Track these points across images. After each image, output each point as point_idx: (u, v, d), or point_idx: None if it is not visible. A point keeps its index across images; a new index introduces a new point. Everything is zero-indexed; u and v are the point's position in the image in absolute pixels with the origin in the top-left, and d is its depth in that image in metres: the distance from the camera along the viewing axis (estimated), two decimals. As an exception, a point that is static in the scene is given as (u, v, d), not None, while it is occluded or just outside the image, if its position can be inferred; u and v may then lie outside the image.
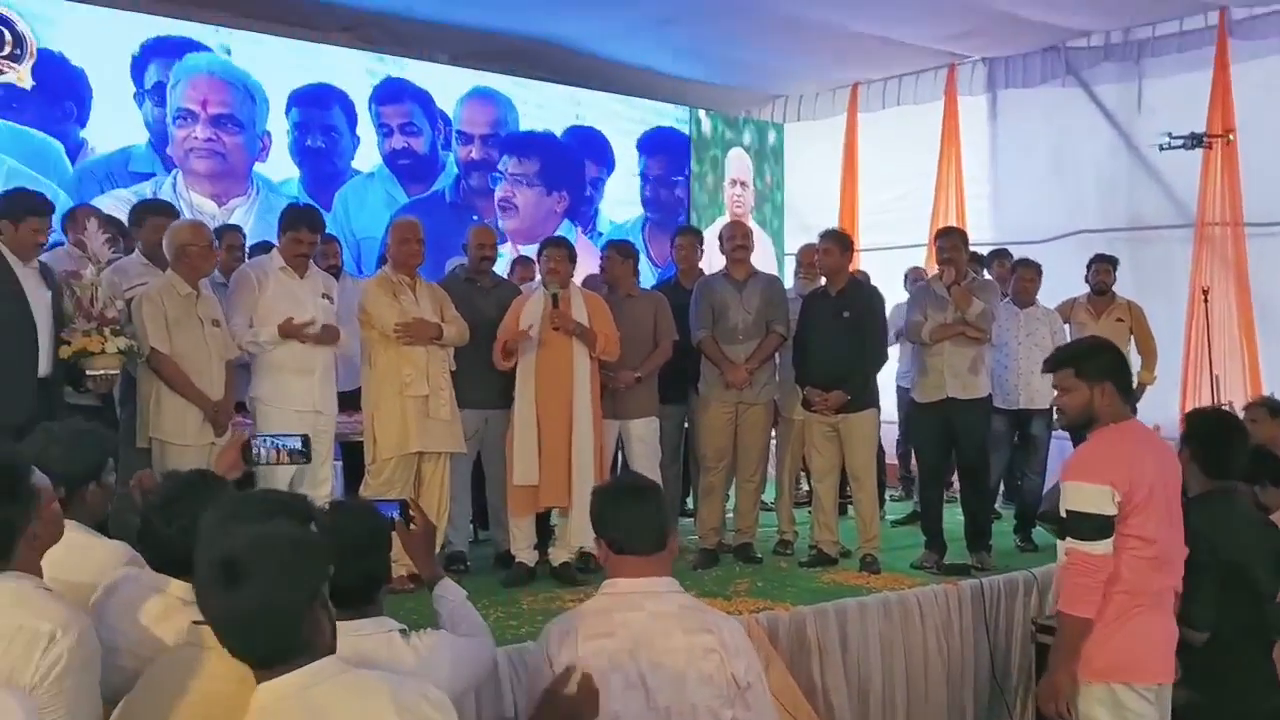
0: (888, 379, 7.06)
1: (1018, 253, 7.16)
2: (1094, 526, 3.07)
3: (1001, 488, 6.89)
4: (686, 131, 10.09)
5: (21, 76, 6.65)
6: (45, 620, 1.98)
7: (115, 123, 7.08)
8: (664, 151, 9.97)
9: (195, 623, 2.02)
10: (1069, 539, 3.13)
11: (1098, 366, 3.23)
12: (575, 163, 9.36)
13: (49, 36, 6.75)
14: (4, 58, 6.58)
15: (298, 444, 3.19)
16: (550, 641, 2.53)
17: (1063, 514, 3.16)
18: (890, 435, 7.31)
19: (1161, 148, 7.82)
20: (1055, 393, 3.37)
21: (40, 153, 6.77)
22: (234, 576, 1.79)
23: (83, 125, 6.95)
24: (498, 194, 8.91)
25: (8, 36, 6.58)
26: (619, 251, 5.73)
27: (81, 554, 2.44)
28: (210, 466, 3.25)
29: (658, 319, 5.59)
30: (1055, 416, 5.66)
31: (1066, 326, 6.58)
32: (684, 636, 2.49)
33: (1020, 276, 6.50)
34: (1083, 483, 3.11)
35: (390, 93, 8.30)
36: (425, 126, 8.49)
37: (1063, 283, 6.87)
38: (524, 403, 5.05)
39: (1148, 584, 3.11)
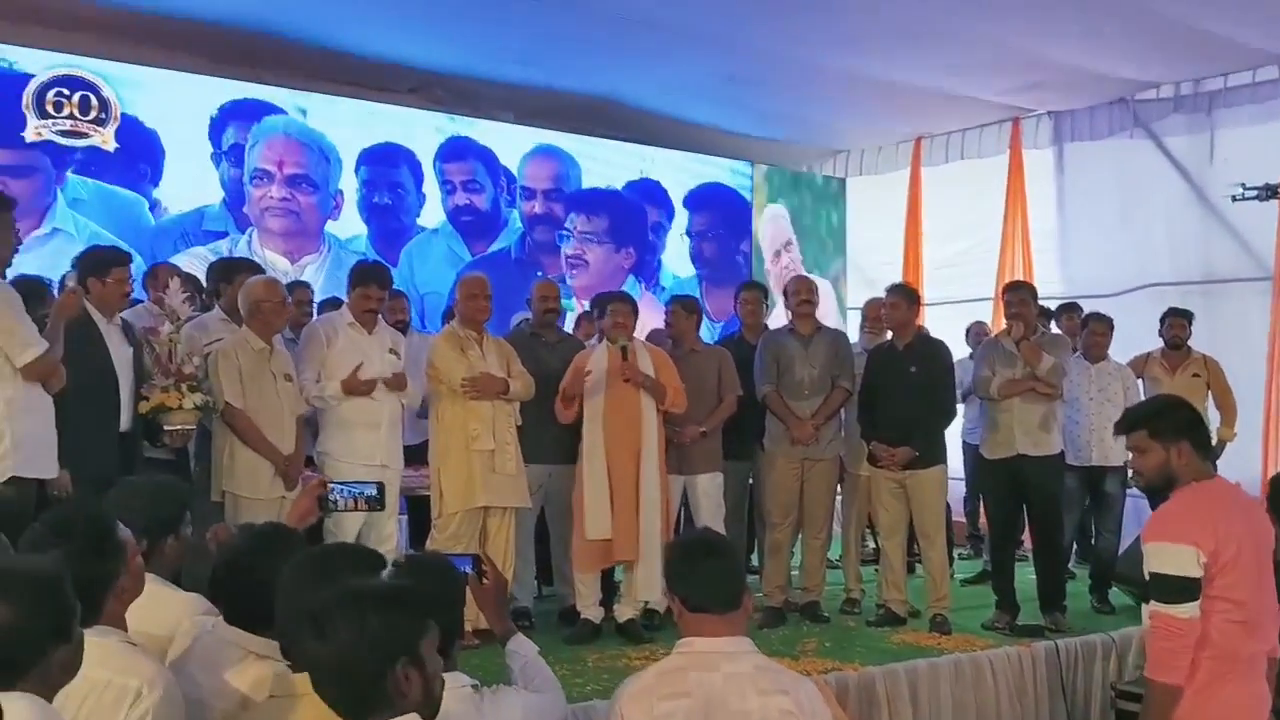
0: (953, 434, 6.97)
1: (1088, 306, 7.07)
2: (1178, 589, 2.97)
3: (1075, 547, 6.74)
4: (749, 186, 10.14)
5: (106, 139, 6.90)
6: (132, 676, 2.03)
7: (191, 183, 7.30)
8: (726, 207, 10.02)
9: (289, 667, 2.08)
10: (1153, 602, 3.05)
11: (1171, 425, 3.14)
12: (640, 219, 9.44)
13: (131, 100, 7.01)
14: (90, 121, 6.84)
15: (373, 491, 3.26)
16: (623, 700, 2.51)
17: (1146, 576, 3.08)
18: (957, 492, 7.20)
19: (1235, 199, 7.71)
20: (1130, 452, 3.29)
21: (122, 211, 6.99)
22: (321, 628, 1.82)
23: (158, 185, 7.16)
24: (566, 250, 9.02)
25: (94, 101, 6.85)
26: (683, 307, 5.75)
27: (159, 606, 2.48)
28: (282, 519, 3.30)
29: (722, 373, 5.59)
30: (1131, 477, 5.54)
31: (1140, 382, 6.45)
32: (759, 698, 2.45)
33: (1092, 331, 6.40)
34: (1165, 543, 3.02)
35: (454, 151, 8.46)
36: (488, 184, 8.63)
37: (1134, 337, 6.77)
38: (594, 456, 5.05)
39: (1239, 649, 3.01)
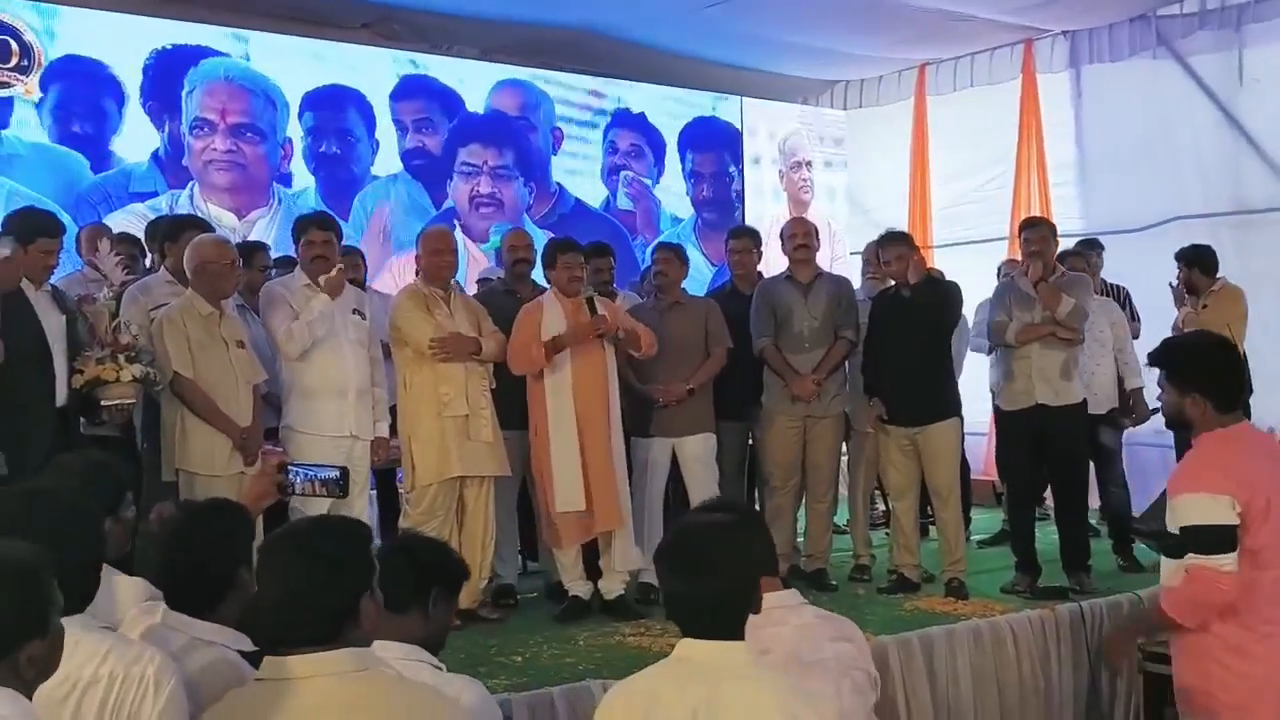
0: (980, 387, 6.97)
1: (1111, 242, 7.07)
2: (1217, 539, 3.06)
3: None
4: (737, 123, 10.08)
5: (30, 89, 6.80)
6: (148, 665, 2.16)
7: (126, 135, 7.21)
8: (712, 145, 9.96)
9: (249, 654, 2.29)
10: (1191, 555, 3.12)
11: (1187, 375, 3.29)
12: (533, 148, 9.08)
13: (57, 46, 6.91)
14: (11, 69, 6.74)
15: (334, 474, 3.21)
16: None
17: (1175, 530, 3.14)
18: (975, 448, 7.23)
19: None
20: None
21: (52, 168, 6.90)
22: (698, 566, 2.21)
23: (98, 137, 7.08)
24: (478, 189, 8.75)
25: (14, 46, 6.74)
26: (676, 254, 5.72)
27: (102, 592, 2.47)
28: (239, 497, 3.29)
29: (709, 327, 5.56)
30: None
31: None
32: (831, 645, 2.69)
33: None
34: (1198, 494, 3.10)
35: (408, 89, 8.33)
36: (444, 125, 8.51)
37: (1161, 273, 6.74)
38: (562, 421, 4.99)
39: (1263, 613, 3.08)
